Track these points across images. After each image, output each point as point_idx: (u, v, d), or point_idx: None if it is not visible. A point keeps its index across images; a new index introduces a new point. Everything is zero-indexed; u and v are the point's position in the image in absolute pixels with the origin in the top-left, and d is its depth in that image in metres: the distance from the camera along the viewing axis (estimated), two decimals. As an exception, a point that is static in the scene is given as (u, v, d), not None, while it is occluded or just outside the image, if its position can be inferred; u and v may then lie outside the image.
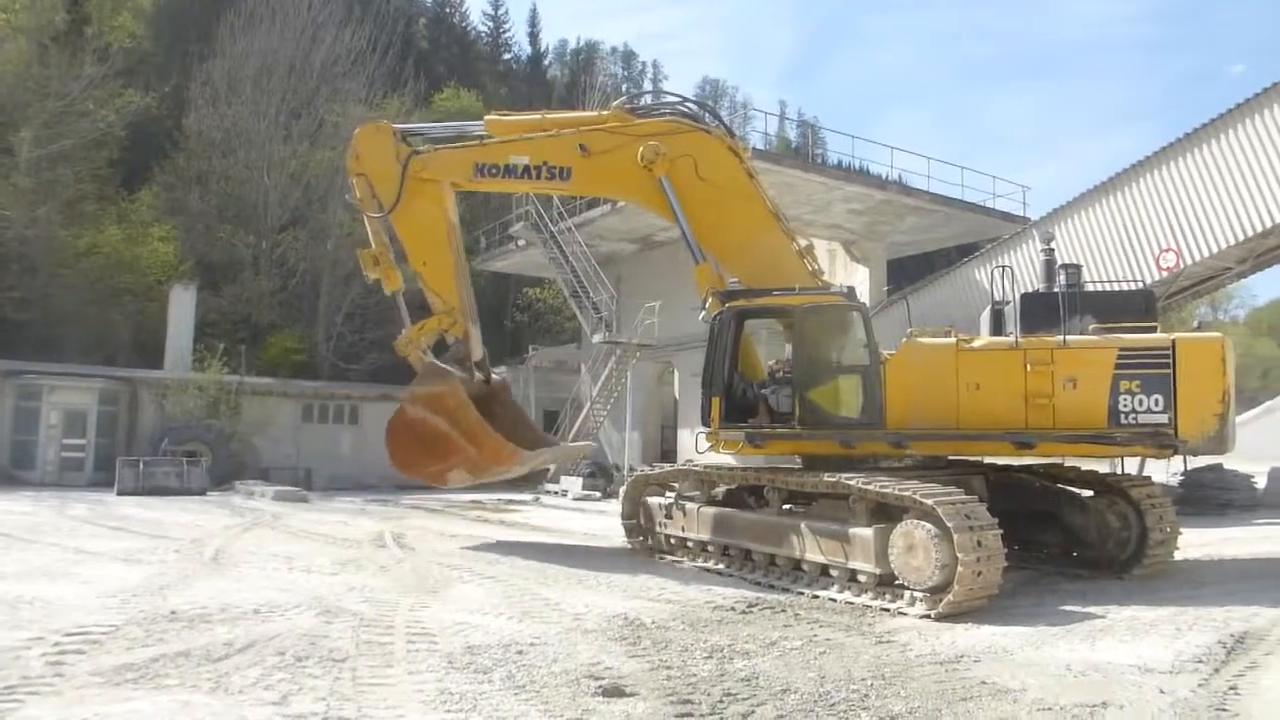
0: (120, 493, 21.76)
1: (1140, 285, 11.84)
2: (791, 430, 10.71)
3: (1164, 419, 9.40)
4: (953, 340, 10.32)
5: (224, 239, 37.26)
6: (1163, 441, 9.46)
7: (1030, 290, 12.32)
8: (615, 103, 13.02)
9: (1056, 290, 11.30)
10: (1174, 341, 9.55)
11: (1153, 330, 10.15)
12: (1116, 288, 12.85)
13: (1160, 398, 9.42)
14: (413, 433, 13.18)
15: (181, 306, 30.42)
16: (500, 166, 12.87)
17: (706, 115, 13.02)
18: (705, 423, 11.32)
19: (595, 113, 13.10)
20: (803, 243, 12.21)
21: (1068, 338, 9.89)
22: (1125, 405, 9.54)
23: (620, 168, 12.13)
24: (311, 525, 16.34)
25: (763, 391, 11.36)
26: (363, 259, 14.03)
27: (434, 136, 14.85)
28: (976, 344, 10.38)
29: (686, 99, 13.33)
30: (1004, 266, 11.03)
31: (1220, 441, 9.46)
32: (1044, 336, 10.02)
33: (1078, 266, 11.98)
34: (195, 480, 23.16)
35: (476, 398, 13.27)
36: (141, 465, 22.92)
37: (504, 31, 77.18)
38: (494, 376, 14.52)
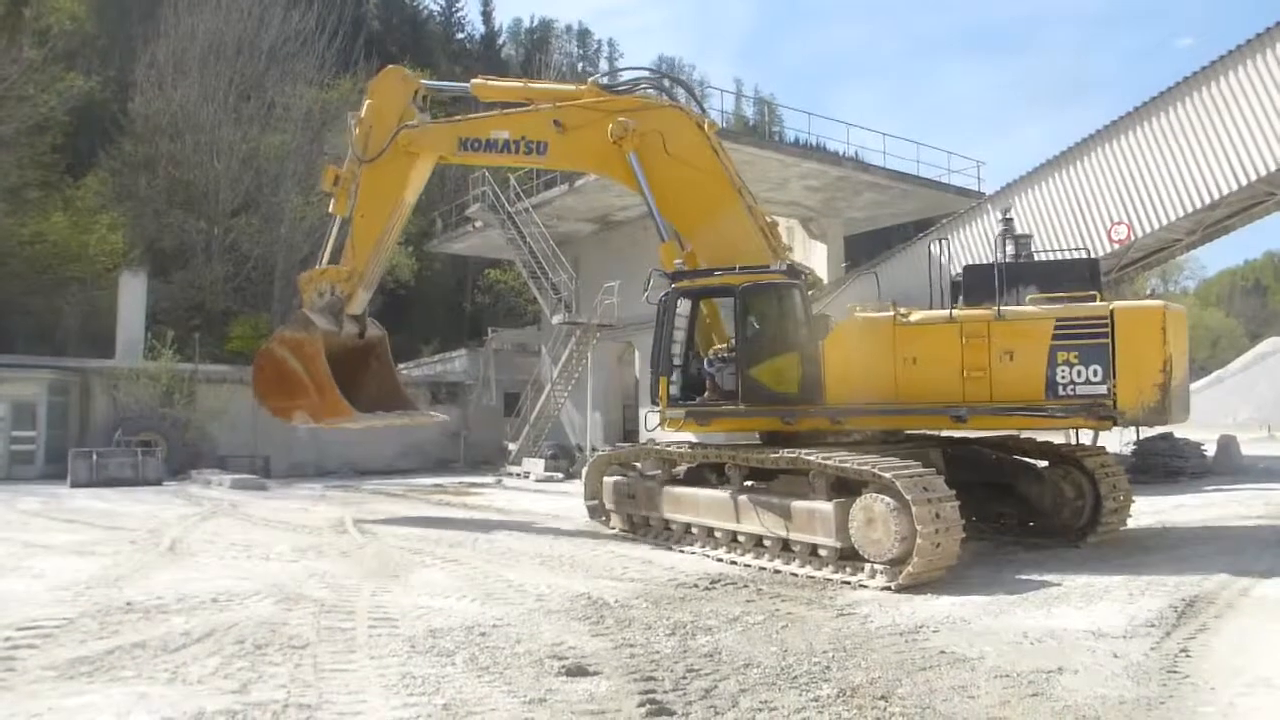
0: (73, 485, 21.36)
1: (1085, 254, 11.42)
2: (735, 408, 10.84)
3: (1103, 390, 9.23)
4: (890, 315, 10.26)
5: (174, 225, 36.57)
6: (1101, 413, 9.30)
7: (977, 262, 12.34)
8: (591, 78, 13.25)
9: (1007, 261, 11.31)
10: (1112, 311, 9.37)
11: (1092, 299, 10.00)
12: (1062, 257, 12.52)
13: (1099, 368, 9.26)
14: (274, 369, 14.30)
15: (131, 294, 29.81)
16: (482, 141, 13.32)
17: (680, 91, 13.20)
18: (654, 401, 11.57)
19: (574, 87, 13.35)
20: (768, 220, 12.24)
21: (1004, 309, 9.84)
22: (1063, 377, 9.37)
23: (592, 143, 12.38)
24: (270, 513, 16.16)
25: (708, 370, 11.44)
26: (325, 173, 14.74)
27: (450, 92, 15.71)
28: (913, 318, 10.25)
29: (662, 74, 13.72)
30: (942, 239, 10.87)
31: (1161, 412, 9.25)
32: (980, 309, 9.99)
33: (1027, 237, 11.85)
34: (151, 470, 22.79)
35: (347, 349, 14.49)
36: (95, 457, 22.50)
37: (457, 10, 76.21)
38: (372, 331, 15.20)
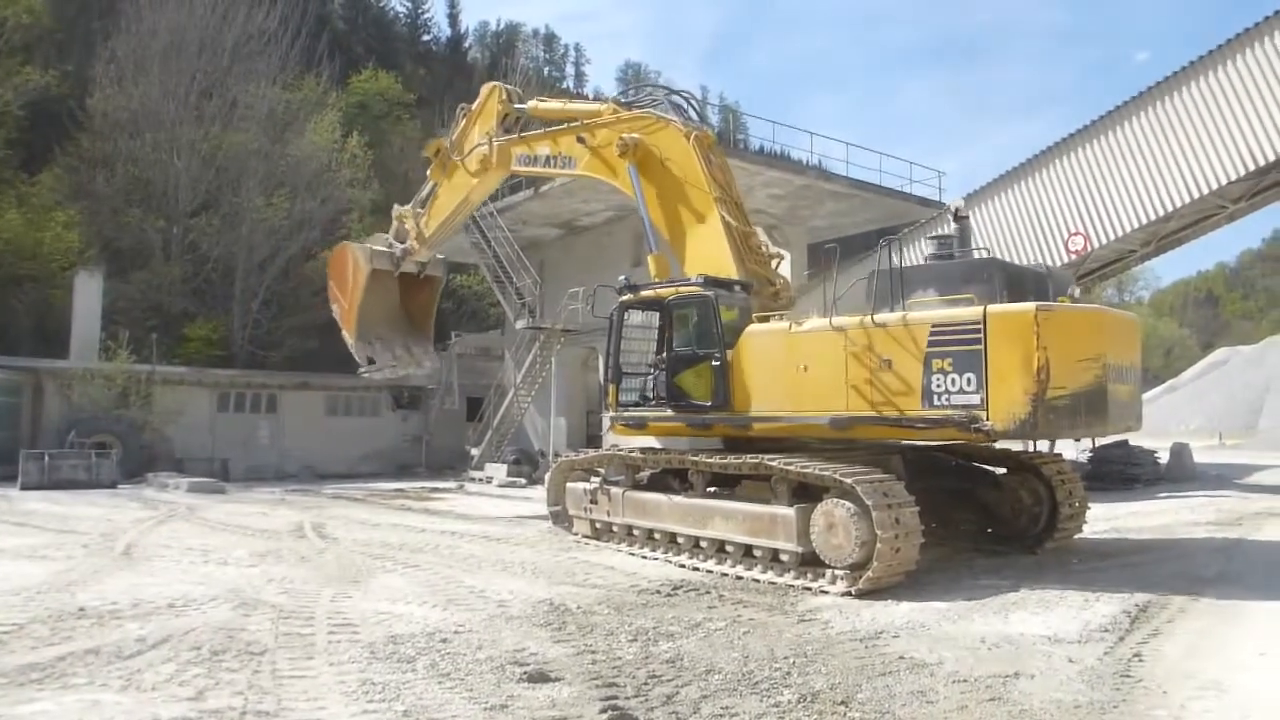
0: (24, 487, 20.95)
1: (986, 252, 10.47)
2: (663, 413, 11.23)
3: (976, 400, 8.59)
4: (786, 324, 10.33)
5: (132, 224, 35.89)
6: (975, 425, 8.62)
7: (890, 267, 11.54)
8: (611, 96, 14.85)
9: (915, 264, 10.79)
10: (985, 314, 8.66)
11: (970, 303, 9.17)
12: (974, 255, 11.20)
13: (972, 376, 8.61)
14: (339, 268, 17.72)
15: (87, 294, 29.32)
16: (532, 156, 15.02)
17: (686, 106, 14.15)
18: (606, 408, 12.11)
19: (600, 106, 14.60)
20: (749, 230, 12.52)
21: (880, 316, 9.36)
22: (938, 385, 8.81)
23: (607, 157, 13.47)
24: (228, 517, 15.97)
25: (646, 378, 11.83)
26: (430, 144, 16.95)
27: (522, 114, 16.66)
28: (805, 326, 10.17)
29: (673, 91, 14.69)
30: (891, 241, 10.20)
31: (1032, 425, 8.43)
32: (858, 316, 9.63)
33: (949, 238, 11.12)
34: (105, 473, 22.43)
35: (408, 278, 17.71)
36: (47, 458, 22.09)
37: (423, 12, 75.94)
38: (432, 272, 18.08)
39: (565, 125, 14.51)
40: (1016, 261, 18.21)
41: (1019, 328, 8.44)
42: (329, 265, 18.39)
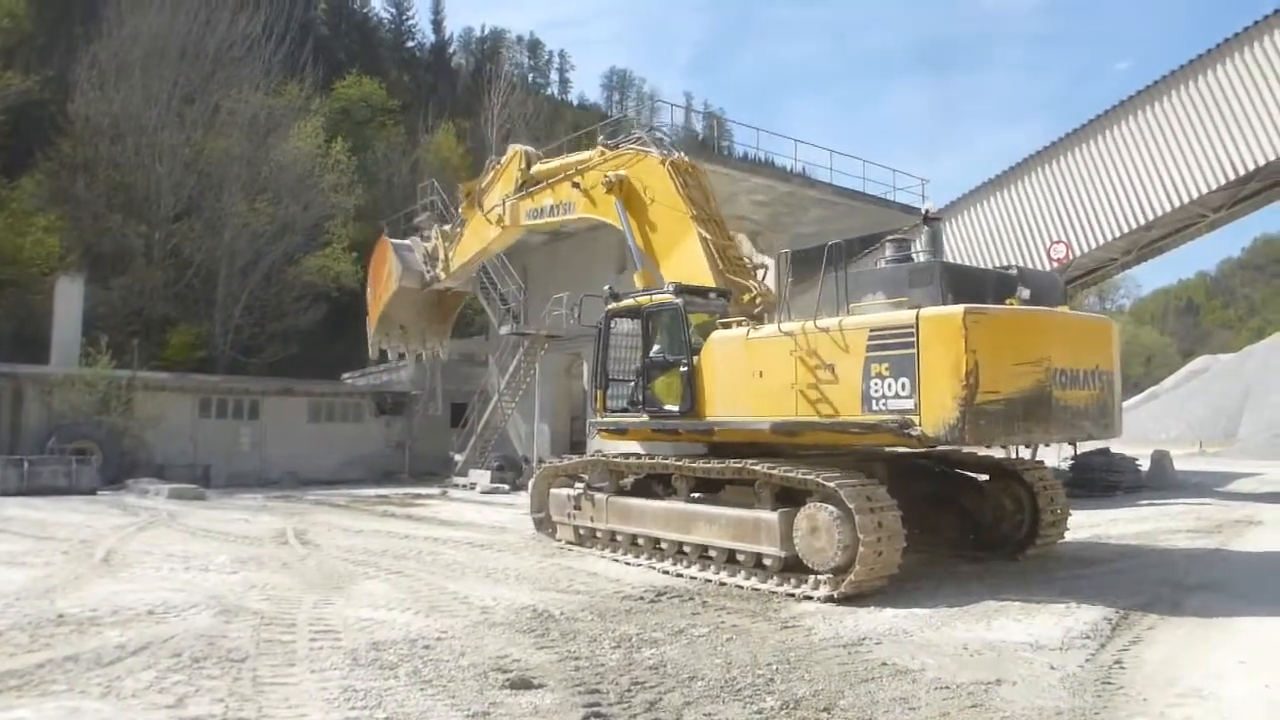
0: (3, 493, 20.72)
1: (931, 255, 10.15)
2: (641, 419, 11.45)
3: (909, 404, 8.46)
4: (744, 330, 10.38)
5: (113, 229, 35.66)
6: (906, 430, 8.49)
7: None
8: (599, 141, 15.45)
9: (881, 267, 10.57)
10: (917, 317, 8.53)
11: (910, 306, 9.02)
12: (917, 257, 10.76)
13: (906, 381, 8.49)
14: (378, 264, 20.70)
15: (68, 299, 29.10)
16: (539, 209, 16.45)
17: (663, 137, 15.53)
18: (594, 414, 12.46)
19: (590, 154, 15.55)
20: (729, 241, 12.97)
21: (824, 321, 9.29)
22: (876, 390, 8.71)
23: (597, 197, 14.58)
24: (210, 523, 15.86)
25: (630, 385, 11.98)
26: (463, 186, 19.35)
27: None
28: (760, 332, 10.19)
29: (652, 127, 16.61)
30: (837, 243, 9.92)
31: (959, 430, 8.23)
32: (804, 322, 9.56)
33: (907, 241, 11.00)
34: (85, 479, 22.25)
35: (428, 290, 20.65)
36: (26, 465, 21.90)
37: (407, 18, 75.99)
38: (456, 288, 21.20)
39: (561, 176, 15.81)
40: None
41: (948, 331, 8.27)
42: (373, 257, 21.11)
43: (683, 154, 14.03)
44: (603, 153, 14.74)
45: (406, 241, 21.23)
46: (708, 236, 12.52)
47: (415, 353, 21.73)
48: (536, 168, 16.88)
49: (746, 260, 12.87)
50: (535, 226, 17.53)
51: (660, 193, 13.26)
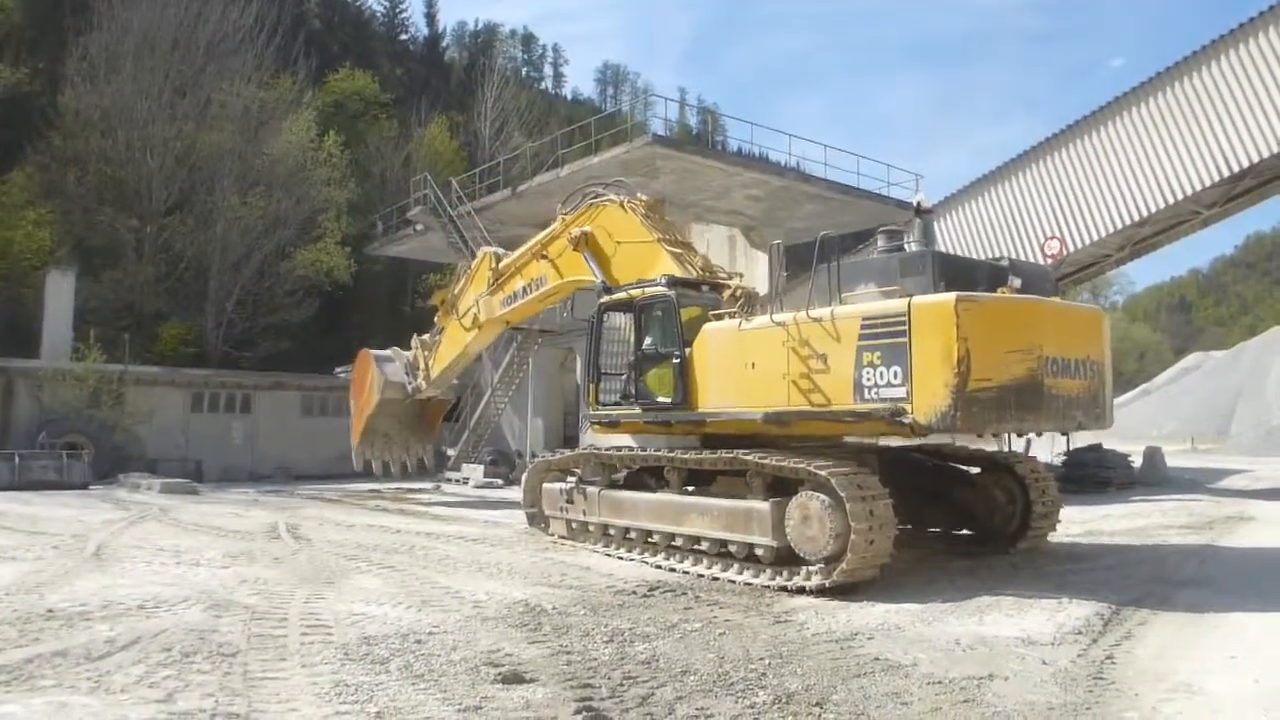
0: (-7, 488, 20.70)
1: (923, 246, 10.04)
2: (633, 412, 11.48)
3: (902, 393, 8.43)
4: (736, 322, 10.36)
5: (104, 223, 35.52)
6: (899, 418, 8.49)
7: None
8: (559, 210, 15.23)
9: (877, 256, 10.57)
10: (909, 305, 8.52)
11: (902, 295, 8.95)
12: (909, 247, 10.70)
13: (899, 370, 8.46)
14: (360, 375, 20.55)
15: (59, 293, 29.02)
16: (512, 295, 16.40)
17: (621, 182, 15.05)
18: (588, 407, 12.51)
19: (551, 226, 15.53)
20: (698, 256, 13.01)
21: (816, 311, 9.26)
22: (868, 379, 8.68)
23: (565, 259, 14.67)
24: (201, 518, 15.82)
25: (622, 378, 12.03)
26: (436, 295, 20.84)
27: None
28: (753, 323, 10.15)
29: (600, 181, 15.52)
30: (829, 234, 9.87)
31: (951, 418, 8.18)
32: (796, 312, 9.56)
33: (899, 231, 10.99)
34: (76, 474, 22.21)
35: (412, 402, 20.13)
36: (17, 459, 21.85)
37: (400, 11, 75.52)
38: (438, 397, 20.49)
39: (527, 258, 15.90)
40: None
41: (940, 319, 8.24)
42: (356, 367, 21.01)
43: (641, 195, 13.94)
44: (564, 219, 14.68)
45: (387, 352, 20.61)
46: (679, 252, 12.63)
47: (400, 462, 21.17)
48: (504, 261, 16.83)
49: (720, 268, 12.91)
50: (511, 315, 17.20)
51: (625, 232, 13.32)
